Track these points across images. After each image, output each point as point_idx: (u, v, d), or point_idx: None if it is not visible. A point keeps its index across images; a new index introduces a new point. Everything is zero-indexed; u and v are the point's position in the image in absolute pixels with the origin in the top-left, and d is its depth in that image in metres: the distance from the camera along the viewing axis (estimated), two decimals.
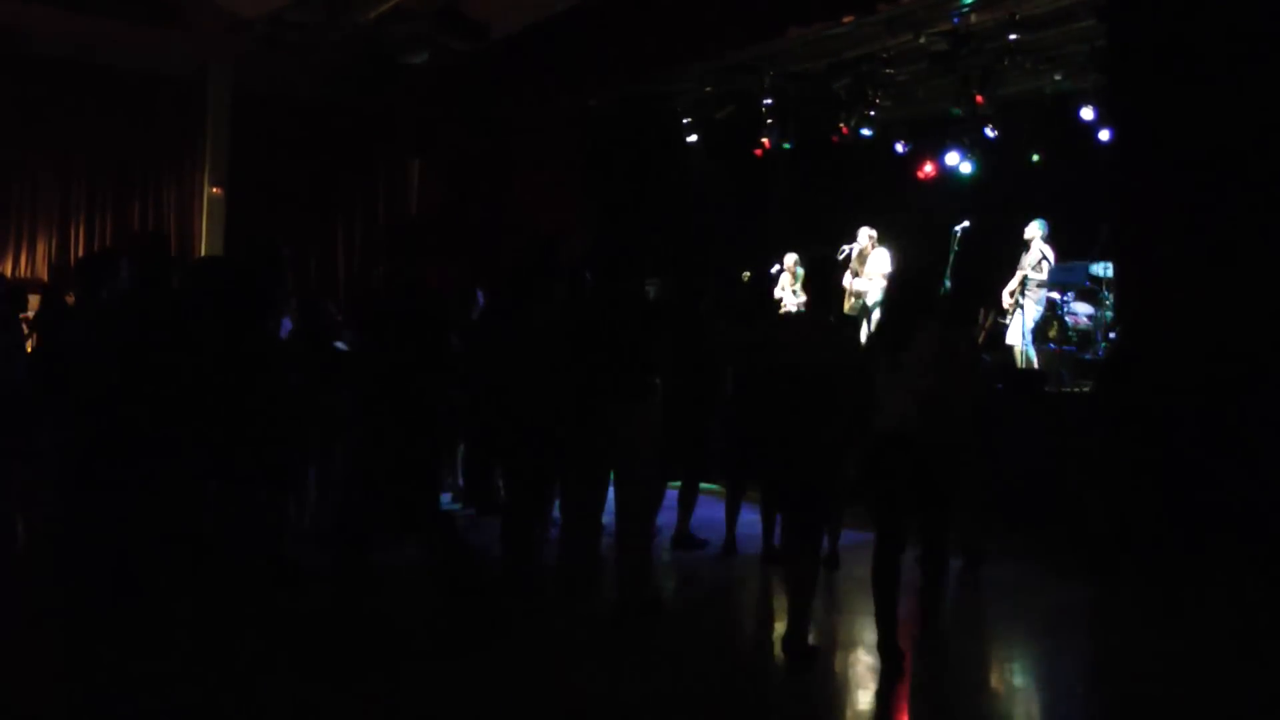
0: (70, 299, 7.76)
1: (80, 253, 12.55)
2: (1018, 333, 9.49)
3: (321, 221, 14.18)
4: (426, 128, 13.54)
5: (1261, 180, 6.66)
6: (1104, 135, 9.64)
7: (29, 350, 8.28)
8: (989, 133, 10.70)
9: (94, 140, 13.03)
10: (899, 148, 11.81)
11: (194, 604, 5.15)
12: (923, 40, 9.90)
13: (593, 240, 10.12)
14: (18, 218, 12.71)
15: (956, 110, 10.38)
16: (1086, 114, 10.01)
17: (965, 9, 9.31)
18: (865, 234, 10.78)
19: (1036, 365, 9.24)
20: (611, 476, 5.33)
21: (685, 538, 6.79)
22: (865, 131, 11.41)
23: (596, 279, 5.43)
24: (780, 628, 5.65)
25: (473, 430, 7.14)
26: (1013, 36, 9.44)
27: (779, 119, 11.82)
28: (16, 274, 12.34)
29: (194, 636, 4.77)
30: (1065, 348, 9.19)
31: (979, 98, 10.04)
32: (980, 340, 7.57)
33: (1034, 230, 9.63)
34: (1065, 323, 9.44)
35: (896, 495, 4.61)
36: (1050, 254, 9.50)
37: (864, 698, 4.53)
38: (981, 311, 7.67)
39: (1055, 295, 9.49)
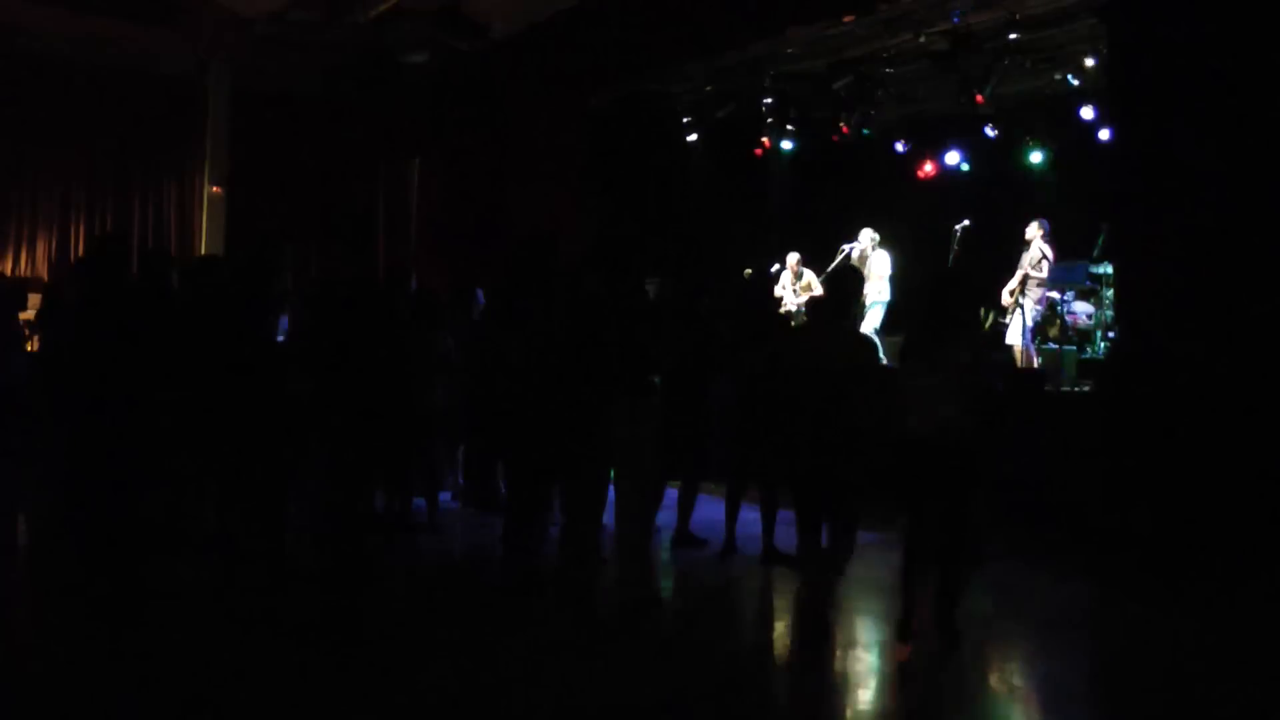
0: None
1: (80, 253, 12.56)
2: (1018, 332, 9.49)
3: (321, 221, 14.18)
4: (426, 128, 13.54)
5: (1262, 179, 6.66)
6: (1104, 135, 9.64)
7: (29, 350, 8.29)
8: (989, 132, 10.71)
9: (94, 140, 13.04)
10: (899, 147, 11.81)
11: (194, 604, 5.16)
12: (923, 40, 9.89)
13: (592, 240, 10.12)
14: (18, 218, 12.72)
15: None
16: (1086, 114, 10.01)
17: (965, 9, 9.30)
18: (867, 235, 10.78)
19: (1036, 365, 9.24)
20: (612, 476, 5.33)
21: (685, 537, 6.79)
22: (865, 131, 11.42)
23: (596, 279, 5.43)
24: (780, 627, 5.68)
25: (473, 429, 7.14)
26: (1013, 36, 9.43)
27: (779, 119, 11.82)
28: (16, 273, 12.36)
29: (194, 636, 4.76)
30: (1065, 347, 9.19)
31: (979, 97, 10.03)
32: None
33: (1034, 230, 9.63)
34: (1065, 322, 9.44)
35: (931, 493, 4.77)
36: (1050, 253, 9.51)
37: (864, 697, 4.52)
38: (981, 311, 7.70)
39: (1055, 295, 9.50)
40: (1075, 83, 9.97)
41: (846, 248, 10.84)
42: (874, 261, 10.67)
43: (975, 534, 5.22)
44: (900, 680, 4.70)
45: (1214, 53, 6.88)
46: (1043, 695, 4.53)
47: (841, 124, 11.35)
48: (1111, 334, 8.37)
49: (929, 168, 11.87)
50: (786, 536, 6.28)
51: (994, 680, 4.71)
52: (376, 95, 13.10)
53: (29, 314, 9.02)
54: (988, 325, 9.71)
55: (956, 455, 4.70)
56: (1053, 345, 9.38)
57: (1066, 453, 7.17)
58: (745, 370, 6.47)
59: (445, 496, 7.70)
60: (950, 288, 5.12)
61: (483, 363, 5.87)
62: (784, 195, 13.06)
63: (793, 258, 11.31)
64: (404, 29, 10.83)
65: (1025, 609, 5.70)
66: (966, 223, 10.09)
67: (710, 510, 7.03)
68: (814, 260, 11.32)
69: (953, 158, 11.43)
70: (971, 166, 11.54)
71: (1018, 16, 9.24)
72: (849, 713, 4.38)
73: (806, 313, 6.93)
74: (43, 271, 12.72)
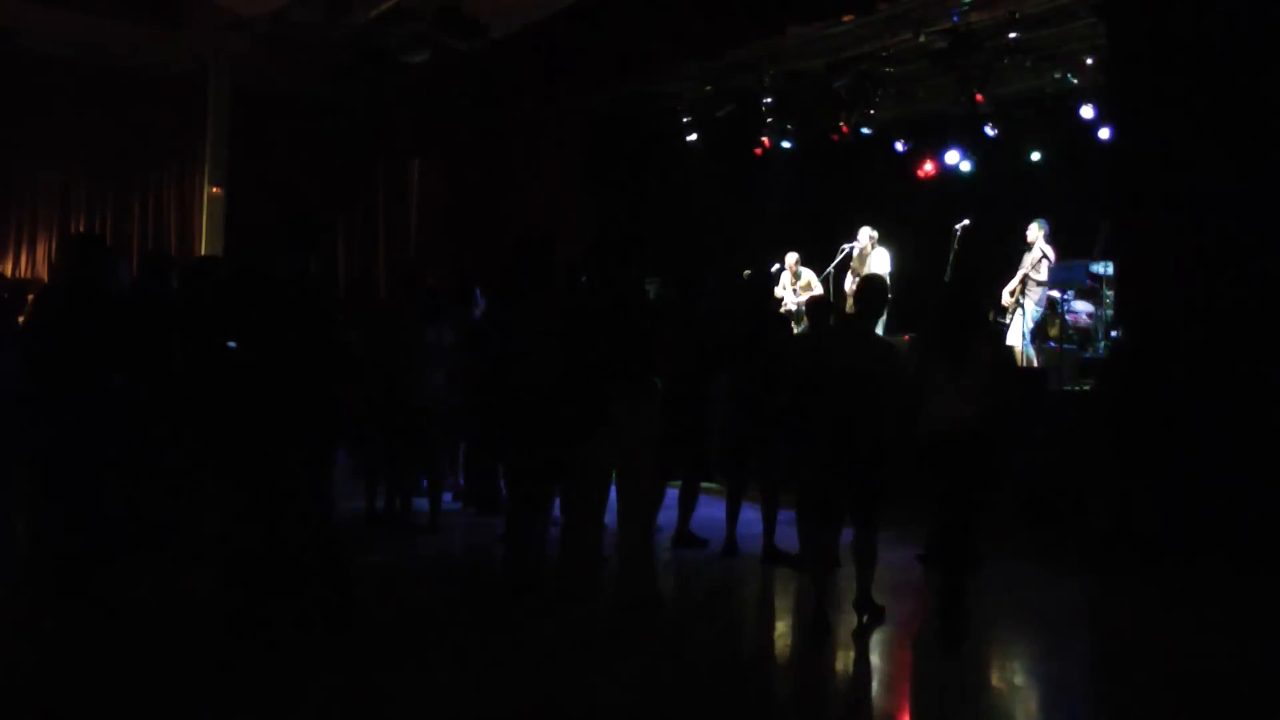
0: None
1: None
2: (1018, 332, 9.49)
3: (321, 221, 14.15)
4: (426, 128, 13.53)
5: (1262, 178, 6.66)
6: (1104, 134, 9.65)
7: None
8: (989, 131, 10.71)
9: (94, 140, 13.03)
10: (899, 146, 11.82)
11: (191, 604, 5.16)
12: (922, 39, 9.90)
13: (592, 239, 10.12)
14: (18, 218, 12.71)
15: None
16: (1086, 112, 10.02)
17: (965, 7, 9.31)
18: (866, 234, 10.79)
19: (1037, 364, 9.24)
20: (612, 476, 5.33)
21: (685, 537, 6.79)
22: (865, 130, 11.43)
23: (596, 278, 5.43)
24: (781, 627, 5.68)
25: (474, 430, 7.15)
26: (1012, 35, 9.44)
27: (779, 118, 11.83)
28: (16, 274, 12.35)
29: (190, 637, 4.77)
30: (1065, 346, 9.19)
31: (979, 96, 10.04)
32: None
33: (1035, 230, 9.64)
34: (1065, 321, 9.44)
35: (956, 486, 4.96)
36: (1050, 253, 9.51)
37: (864, 697, 4.53)
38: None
39: (1055, 294, 9.50)
40: (1075, 81, 9.98)
41: (846, 247, 10.85)
42: (873, 260, 10.67)
43: (972, 533, 5.30)
44: (901, 680, 4.70)
45: (1213, 50, 6.88)
46: (1043, 695, 4.53)
47: (841, 123, 11.36)
48: (1113, 333, 8.36)
49: (929, 167, 11.87)
50: (787, 536, 6.29)
51: (994, 680, 4.71)
52: (376, 95, 13.08)
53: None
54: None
55: (978, 451, 4.89)
56: (1053, 345, 9.39)
57: (1067, 451, 7.17)
58: (759, 371, 6.44)
59: (446, 497, 7.70)
60: (968, 287, 5.30)
61: (482, 362, 5.87)
62: (784, 195, 13.06)
63: (791, 257, 11.32)
64: (404, 29, 10.83)
65: (1025, 609, 5.70)
66: (966, 222, 10.09)
67: (710, 510, 7.04)
68: (813, 260, 11.32)
69: (952, 157, 11.44)
70: (971, 166, 11.55)
71: (1017, 15, 9.25)
72: (849, 712, 4.38)
73: (808, 313, 6.92)
74: (43, 272, 12.70)
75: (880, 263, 10.64)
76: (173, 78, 13.20)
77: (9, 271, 12.32)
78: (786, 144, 12.29)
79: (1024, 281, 9.53)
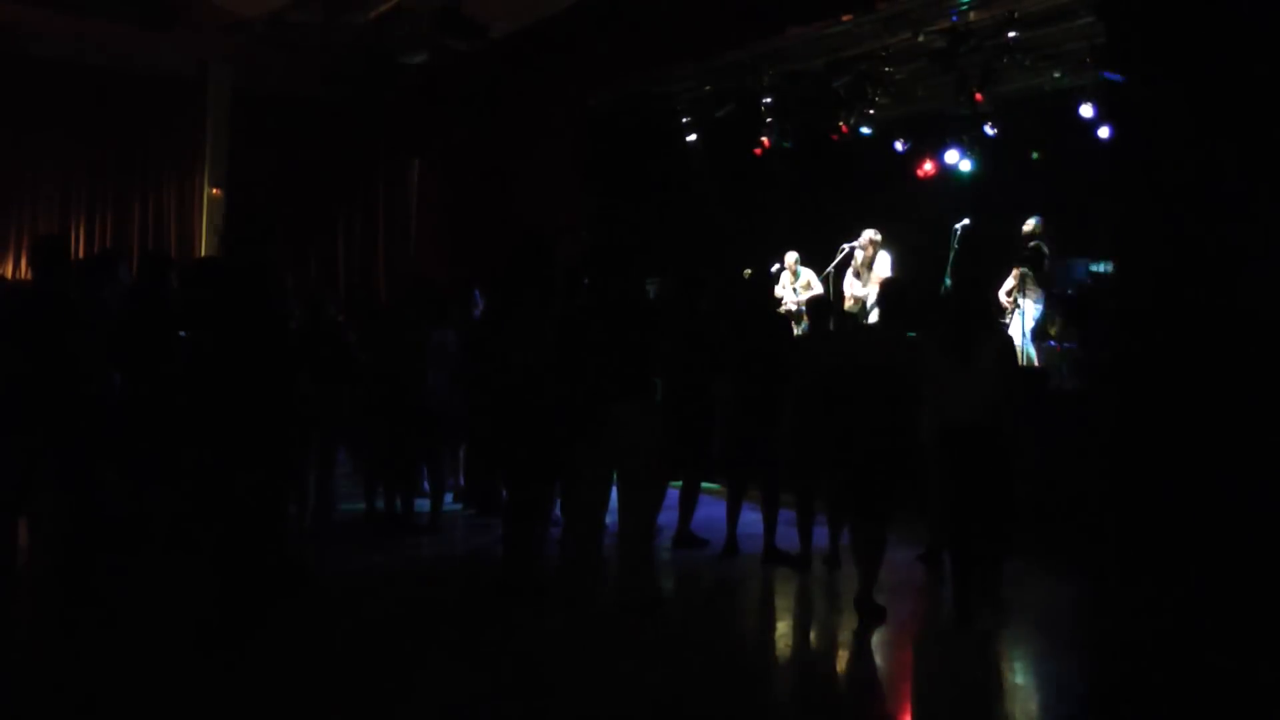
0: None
1: (80, 253, 12.56)
2: (1018, 331, 9.48)
3: (321, 221, 14.17)
4: (426, 128, 13.54)
5: (1262, 178, 6.66)
6: (1104, 133, 9.64)
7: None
8: (989, 130, 10.70)
9: (94, 140, 13.04)
10: (898, 146, 11.80)
11: (186, 606, 5.16)
12: (922, 38, 9.88)
13: (592, 240, 10.12)
14: (18, 218, 12.72)
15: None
16: (1086, 111, 10.00)
17: (964, 7, 9.30)
18: (868, 235, 10.78)
19: (1037, 364, 9.24)
20: (612, 477, 5.33)
21: (686, 537, 6.79)
22: (865, 130, 11.41)
23: (596, 278, 5.43)
24: (782, 628, 5.69)
25: (474, 430, 7.15)
26: (1012, 34, 9.42)
27: (779, 118, 11.81)
28: (16, 274, 12.35)
29: (185, 639, 4.77)
30: (1065, 345, 9.19)
31: (978, 95, 10.03)
32: None
33: (1032, 228, 9.63)
34: (1065, 321, 9.42)
35: (969, 479, 5.11)
36: (1049, 252, 9.50)
37: (865, 697, 4.53)
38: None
39: (1055, 293, 9.48)
40: (1075, 80, 9.96)
41: (846, 246, 10.84)
42: (877, 265, 10.68)
43: (978, 531, 5.35)
44: (902, 679, 4.71)
45: (1213, 49, 6.88)
46: (1043, 695, 4.54)
47: (841, 123, 11.34)
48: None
49: (929, 166, 11.85)
50: (787, 536, 6.30)
51: (994, 680, 4.72)
52: (376, 95, 13.10)
53: None
54: None
55: (992, 444, 5.06)
56: (1053, 343, 9.38)
57: (1067, 451, 7.17)
58: (759, 371, 6.44)
59: (446, 498, 7.70)
60: (978, 286, 5.49)
61: (482, 363, 5.87)
62: (784, 195, 13.05)
63: (790, 257, 11.32)
64: (404, 29, 10.84)
65: (1025, 608, 5.71)
66: (966, 222, 10.08)
67: (711, 510, 7.04)
68: (813, 260, 11.32)
69: (952, 156, 11.41)
70: (971, 165, 11.53)
71: (1016, 14, 9.24)
72: (850, 713, 4.39)
73: (808, 313, 6.92)
74: None
75: (881, 264, 10.64)
76: (173, 78, 13.21)
77: (9, 272, 12.32)
78: (786, 144, 12.27)
79: (1023, 280, 9.52)
